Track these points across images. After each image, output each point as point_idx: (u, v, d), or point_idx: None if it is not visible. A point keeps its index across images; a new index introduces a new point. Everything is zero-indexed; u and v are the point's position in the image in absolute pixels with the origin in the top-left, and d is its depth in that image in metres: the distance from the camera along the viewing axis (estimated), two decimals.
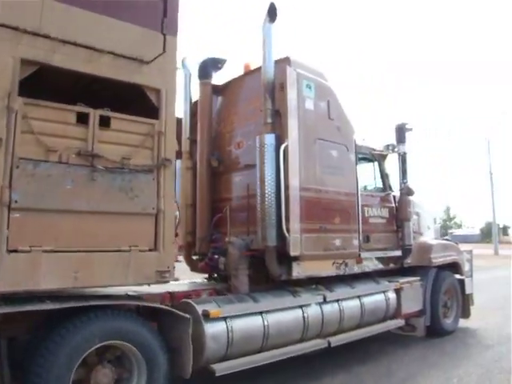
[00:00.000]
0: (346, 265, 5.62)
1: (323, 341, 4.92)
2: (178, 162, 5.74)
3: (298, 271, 4.97)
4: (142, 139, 3.66)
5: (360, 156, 6.16)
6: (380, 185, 6.55)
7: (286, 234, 4.63)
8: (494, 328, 7.42)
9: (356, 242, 5.53)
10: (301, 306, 4.78)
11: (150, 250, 3.62)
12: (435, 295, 6.81)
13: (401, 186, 6.48)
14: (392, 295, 6.05)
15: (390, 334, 6.58)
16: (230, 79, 5.97)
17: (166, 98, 3.80)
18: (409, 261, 6.73)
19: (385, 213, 6.35)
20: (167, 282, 3.78)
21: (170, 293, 4.26)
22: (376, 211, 6.17)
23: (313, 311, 4.86)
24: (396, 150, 6.44)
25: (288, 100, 4.85)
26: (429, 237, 7.63)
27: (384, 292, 5.95)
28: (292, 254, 4.66)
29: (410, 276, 6.60)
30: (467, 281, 7.64)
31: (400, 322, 6.11)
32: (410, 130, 6.72)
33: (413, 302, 6.37)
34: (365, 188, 6.39)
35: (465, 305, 7.59)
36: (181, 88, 5.99)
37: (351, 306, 5.37)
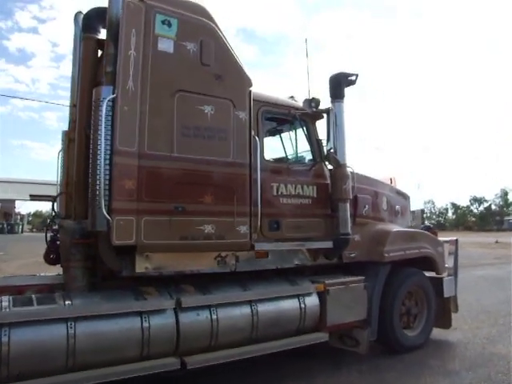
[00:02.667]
0: (237, 259, 4.30)
1: (175, 360, 3.64)
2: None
3: (147, 266, 3.74)
4: None
5: (272, 116, 4.75)
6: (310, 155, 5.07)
7: (107, 216, 3.42)
8: (479, 343, 5.63)
9: (245, 229, 4.13)
10: (140, 313, 3.54)
11: None
12: (388, 300, 5.19)
13: (327, 154, 4.92)
14: (311, 300, 4.57)
15: (329, 349, 5.13)
16: None
17: None
18: (353, 254, 5.21)
19: (311, 191, 4.83)
20: None
21: None
22: (294, 189, 4.69)
23: (159, 320, 3.59)
24: (320, 107, 4.84)
25: (122, 39, 3.62)
26: (396, 224, 6.00)
27: (298, 296, 4.51)
28: (116, 242, 3.42)
29: (356, 275, 5.11)
30: (447, 280, 5.89)
31: (322, 337, 4.59)
32: (353, 82, 5.13)
33: (349, 310, 4.83)
34: (286, 159, 4.96)
35: (443, 311, 5.88)
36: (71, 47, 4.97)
37: (234, 314, 4.01)
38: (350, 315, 4.86)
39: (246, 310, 4.09)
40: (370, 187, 5.64)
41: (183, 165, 3.84)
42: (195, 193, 3.87)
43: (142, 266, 3.72)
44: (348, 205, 4.91)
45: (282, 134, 5.11)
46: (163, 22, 3.84)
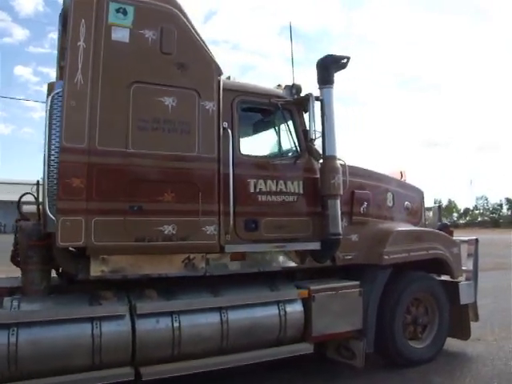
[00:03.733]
0: (208, 262, 3.98)
1: (130, 371, 3.38)
2: None
3: (103, 269, 3.53)
4: None
5: (250, 106, 4.36)
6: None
7: (51, 216, 3.24)
8: (502, 358, 4.89)
9: (212, 230, 3.78)
10: (92, 319, 3.34)
11: None
12: (388, 308, 4.62)
13: (308, 146, 4.40)
14: (294, 308, 4.15)
15: (326, 360, 4.68)
16: None
17: None
18: (349, 257, 4.72)
19: (296, 187, 4.38)
20: None
21: None
22: (276, 185, 4.27)
23: (112, 327, 3.35)
24: (303, 93, 4.35)
25: (69, 31, 3.42)
26: (404, 222, 5.39)
27: (278, 303, 4.10)
28: (61, 244, 3.22)
29: (354, 279, 4.61)
30: (464, 285, 5.20)
31: (306, 348, 4.14)
32: (343, 66, 4.61)
33: (340, 318, 4.34)
34: (270, 153, 4.56)
35: (461, 321, 5.19)
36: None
37: (199, 322, 3.69)
38: (342, 324, 4.37)
39: (213, 317, 3.75)
40: (370, 182, 5.10)
41: (139, 161, 3.58)
42: (153, 191, 3.60)
43: (97, 269, 3.51)
44: (338, 201, 4.42)
45: (265, 126, 4.71)
46: (117, 11, 3.60)
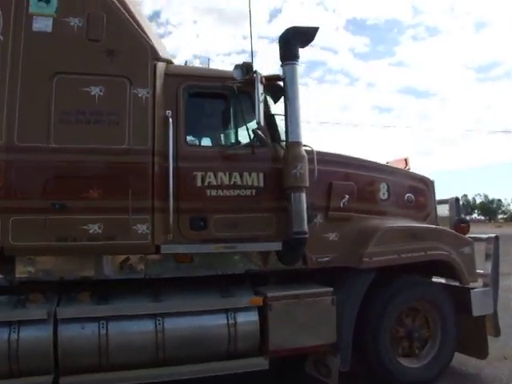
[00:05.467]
0: (147, 264, 3.65)
1: (46, 379, 3.15)
2: None
3: (30, 270, 3.40)
4: None
5: (200, 91, 3.90)
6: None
7: None
8: None
9: (144, 229, 3.44)
10: (10, 324, 3.16)
11: None
12: (372, 319, 3.92)
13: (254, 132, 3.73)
14: (246, 317, 3.64)
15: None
16: None
17: None
18: (325, 259, 4.09)
19: (255, 180, 3.87)
20: None
21: None
22: (228, 178, 3.80)
23: (31, 333, 3.15)
24: (257, 73, 3.78)
25: None
26: (406, 218, 4.57)
27: (227, 311, 3.63)
28: None
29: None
30: (478, 293, 4.27)
31: (259, 364, 3.61)
32: (309, 39, 4.00)
33: (307, 331, 3.72)
34: (226, 144, 4.10)
35: (476, 336, 4.27)
36: None
37: (129, 330, 3.36)
38: (309, 338, 3.76)
39: (146, 325, 3.41)
40: (355, 171, 4.38)
41: (62, 156, 3.36)
42: (78, 187, 3.36)
43: (23, 271, 3.37)
44: (303, 195, 3.83)
45: (220, 112, 4.23)
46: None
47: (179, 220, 3.64)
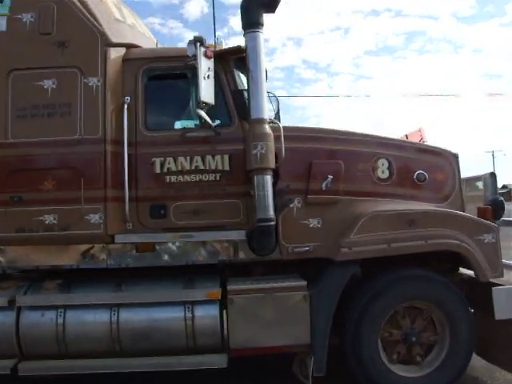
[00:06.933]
0: (110, 254, 3.60)
1: (7, 364, 3.29)
2: None
3: (0, 260, 3.58)
4: None
5: (161, 73, 3.69)
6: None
7: None
8: None
9: (97, 218, 3.39)
10: None
11: None
12: (353, 318, 3.35)
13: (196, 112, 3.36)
14: (205, 311, 3.39)
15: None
16: None
17: None
18: (304, 248, 3.61)
19: (219, 163, 3.55)
20: None
21: None
22: (189, 162, 3.54)
23: None
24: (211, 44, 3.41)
25: None
26: (415, 200, 3.81)
27: (185, 304, 3.41)
28: None
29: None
30: (500, 291, 3.38)
31: (217, 362, 3.31)
32: (273, 5, 3.52)
33: (274, 329, 3.33)
34: (188, 126, 3.81)
35: (501, 342, 3.40)
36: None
37: (84, 319, 3.37)
38: (278, 337, 3.37)
39: (102, 315, 3.38)
40: (343, 147, 3.79)
41: (18, 150, 3.47)
42: (34, 180, 3.43)
43: None
44: (267, 177, 3.42)
45: (184, 93, 3.95)
46: None
47: (138, 209, 3.54)
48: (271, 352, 3.44)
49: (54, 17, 3.54)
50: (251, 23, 3.53)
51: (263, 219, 3.39)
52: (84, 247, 3.61)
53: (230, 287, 3.41)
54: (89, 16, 3.58)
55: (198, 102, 3.29)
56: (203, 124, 3.47)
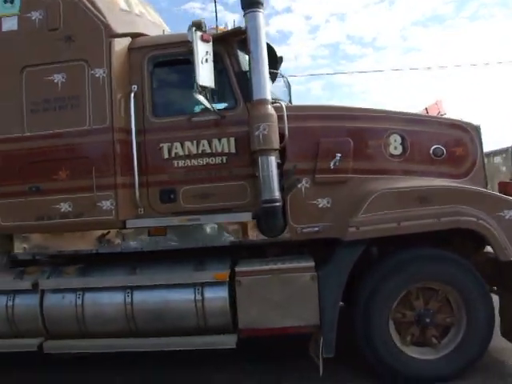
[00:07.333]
0: (124, 238, 3.74)
1: (34, 342, 3.55)
2: None
3: (24, 246, 3.85)
4: None
5: (168, 59, 3.74)
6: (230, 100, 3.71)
7: None
8: None
9: (108, 205, 3.51)
10: (7, 293, 3.63)
11: None
12: (362, 299, 3.27)
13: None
14: (214, 293, 3.44)
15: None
16: None
17: None
18: (315, 228, 3.55)
19: (225, 146, 3.56)
20: None
21: None
22: (196, 147, 3.58)
23: (22, 301, 3.60)
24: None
25: None
26: (430, 176, 3.63)
27: (195, 286, 3.47)
28: None
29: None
30: None
31: (226, 342, 3.36)
32: None
33: (281, 310, 3.32)
34: (194, 111, 3.82)
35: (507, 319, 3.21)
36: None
37: (101, 301, 3.53)
38: (286, 318, 3.36)
39: (117, 297, 3.53)
40: (351, 124, 3.66)
41: (35, 143, 3.65)
42: (49, 170, 3.61)
43: (19, 247, 3.84)
44: (271, 158, 3.39)
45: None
46: (5, 1, 3.75)
47: (149, 194, 3.65)
48: (280, 333, 3.44)
49: (61, 12, 3.66)
50: (250, 2, 3.48)
51: (268, 200, 3.38)
52: (99, 233, 3.78)
53: (237, 269, 3.44)
54: (93, 9, 3.67)
55: (195, 86, 3.29)
56: (205, 108, 3.48)
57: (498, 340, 3.52)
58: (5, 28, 3.74)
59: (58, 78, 3.65)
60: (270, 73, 4.39)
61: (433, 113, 4.44)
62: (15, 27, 3.73)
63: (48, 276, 3.75)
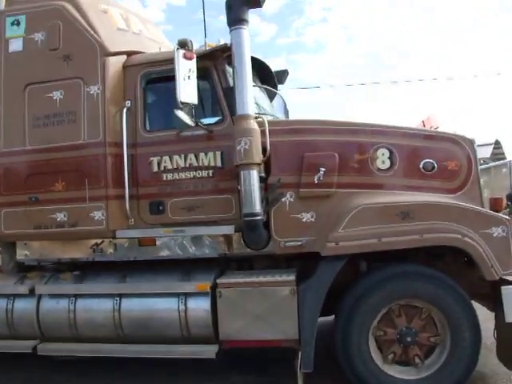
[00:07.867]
0: (116, 248, 3.89)
1: (29, 344, 3.75)
2: None
3: (26, 253, 4.07)
4: None
5: (161, 76, 3.85)
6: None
7: None
8: None
9: (100, 215, 3.67)
10: (7, 296, 3.87)
11: None
12: (342, 315, 3.22)
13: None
14: (197, 303, 3.51)
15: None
16: None
17: None
18: (297, 243, 3.55)
19: (211, 160, 3.65)
20: None
21: None
22: (184, 160, 3.69)
23: (21, 305, 3.82)
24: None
25: None
26: (421, 191, 3.54)
27: (179, 296, 3.55)
28: None
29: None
30: (510, 290, 2.99)
31: (208, 352, 3.40)
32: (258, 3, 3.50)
33: (261, 322, 3.33)
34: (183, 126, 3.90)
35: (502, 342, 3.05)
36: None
37: (91, 307, 3.68)
38: (266, 331, 3.37)
39: (106, 304, 3.67)
40: (337, 138, 3.63)
41: (35, 156, 3.89)
42: (47, 182, 3.83)
43: (21, 253, 4.07)
44: (253, 172, 3.42)
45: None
46: (12, 23, 4.03)
47: (139, 205, 3.79)
48: (261, 345, 3.46)
49: (60, 33, 3.89)
50: (235, 20, 3.54)
51: (249, 214, 3.42)
52: (93, 242, 3.95)
53: (218, 281, 3.49)
54: (89, 29, 3.87)
55: (176, 104, 3.39)
56: (186, 125, 3.58)
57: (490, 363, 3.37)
58: (11, 49, 4.02)
59: (56, 94, 3.88)
60: (267, 90, 4.50)
61: (428, 126, 4.34)
62: (20, 48, 4.00)
63: (46, 282, 3.97)
